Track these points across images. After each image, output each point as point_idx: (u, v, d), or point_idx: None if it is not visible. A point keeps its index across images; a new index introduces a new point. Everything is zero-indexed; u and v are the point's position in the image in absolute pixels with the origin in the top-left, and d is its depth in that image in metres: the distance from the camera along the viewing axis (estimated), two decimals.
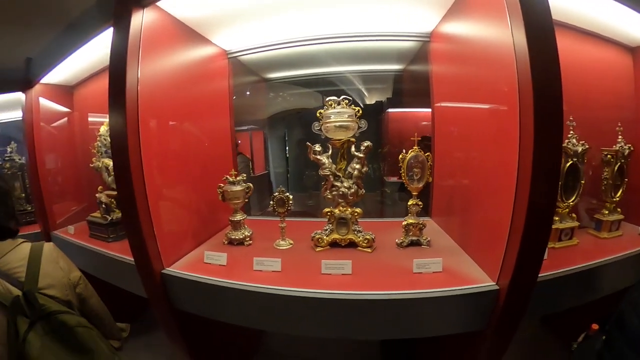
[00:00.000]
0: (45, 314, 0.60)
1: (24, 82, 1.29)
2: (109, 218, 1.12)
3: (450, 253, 0.84)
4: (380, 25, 1.06)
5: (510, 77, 0.59)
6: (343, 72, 1.29)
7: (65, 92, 1.42)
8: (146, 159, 0.76)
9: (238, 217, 0.97)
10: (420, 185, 0.91)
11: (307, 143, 0.86)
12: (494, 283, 0.65)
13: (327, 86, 1.35)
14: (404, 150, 0.90)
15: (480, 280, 0.68)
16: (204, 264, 0.84)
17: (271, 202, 0.91)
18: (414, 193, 0.92)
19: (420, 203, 0.92)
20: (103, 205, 1.13)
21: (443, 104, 1.05)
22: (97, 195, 1.14)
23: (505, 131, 0.64)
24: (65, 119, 1.43)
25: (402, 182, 0.93)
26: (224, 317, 0.78)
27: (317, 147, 0.86)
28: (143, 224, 0.75)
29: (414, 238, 0.92)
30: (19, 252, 0.65)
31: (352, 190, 0.85)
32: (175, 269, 0.81)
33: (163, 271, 0.80)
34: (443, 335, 0.69)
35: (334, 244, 0.89)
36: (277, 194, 0.91)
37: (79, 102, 1.45)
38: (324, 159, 0.85)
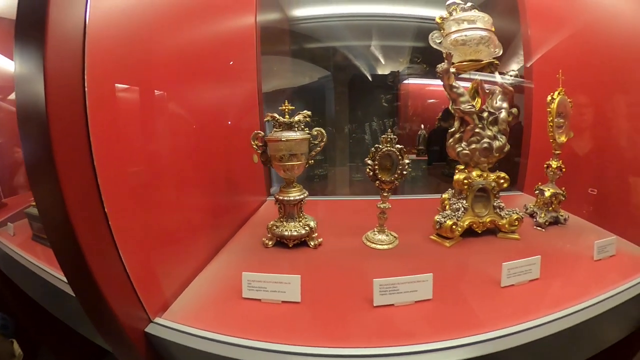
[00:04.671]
0: None
1: None
2: None
3: (595, 234, 0.67)
4: None
5: None
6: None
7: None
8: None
9: (294, 193, 0.59)
10: (563, 139, 0.65)
11: (446, 53, 0.53)
12: None
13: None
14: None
15: None
16: (242, 300, 0.48)
17: (369, 162, 0.55)
18: (557, 152, 0.65)
19: (564, 167, 0.65)
20: None
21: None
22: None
23: None
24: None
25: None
26: None
27: (453, 69, 0.54)
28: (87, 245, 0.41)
29: (554, 214, 0.66)
30: None
31: (500, 142, 0.56)
32: (176, 322, 0.45)
33: (147, 329, 0.43)
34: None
35: (465, 232, 0.58)
36: (379, 146, 0.54)
37: None
38: (461, 88, 0.55)
